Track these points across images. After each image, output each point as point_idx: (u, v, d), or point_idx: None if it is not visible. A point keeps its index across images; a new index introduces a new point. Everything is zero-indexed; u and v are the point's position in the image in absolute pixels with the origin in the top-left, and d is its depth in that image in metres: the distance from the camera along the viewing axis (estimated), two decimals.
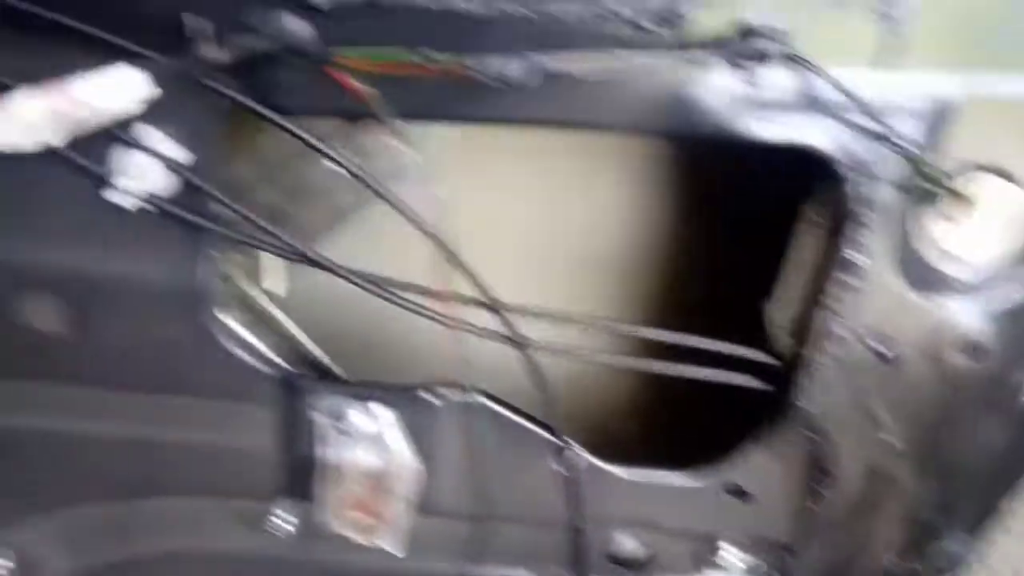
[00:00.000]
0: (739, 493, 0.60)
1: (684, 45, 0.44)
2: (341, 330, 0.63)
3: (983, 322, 0.52)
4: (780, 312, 0.56)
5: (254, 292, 0.57)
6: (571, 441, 0.58)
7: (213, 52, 0.42)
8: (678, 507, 0.61)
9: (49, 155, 0.45)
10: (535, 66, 0.40)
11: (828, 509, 0.58)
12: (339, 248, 0.54)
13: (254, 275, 0.57)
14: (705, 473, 0.60)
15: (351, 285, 0.54)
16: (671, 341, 0.57)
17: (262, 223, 0.49)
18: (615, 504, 0.60)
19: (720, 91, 0.46)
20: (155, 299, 0.52)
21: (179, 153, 0.48)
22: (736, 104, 0.46)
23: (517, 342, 0.54)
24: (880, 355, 0.53)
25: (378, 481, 0.55)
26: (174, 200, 0.49)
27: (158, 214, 0.49)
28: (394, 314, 0.63)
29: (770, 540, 0.62)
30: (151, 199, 0.48)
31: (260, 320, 0.58)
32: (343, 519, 0.57)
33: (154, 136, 0.47)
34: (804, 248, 0.55)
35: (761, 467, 0.58)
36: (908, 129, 0.47)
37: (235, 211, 0.49)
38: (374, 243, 0.59)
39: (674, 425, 0.67)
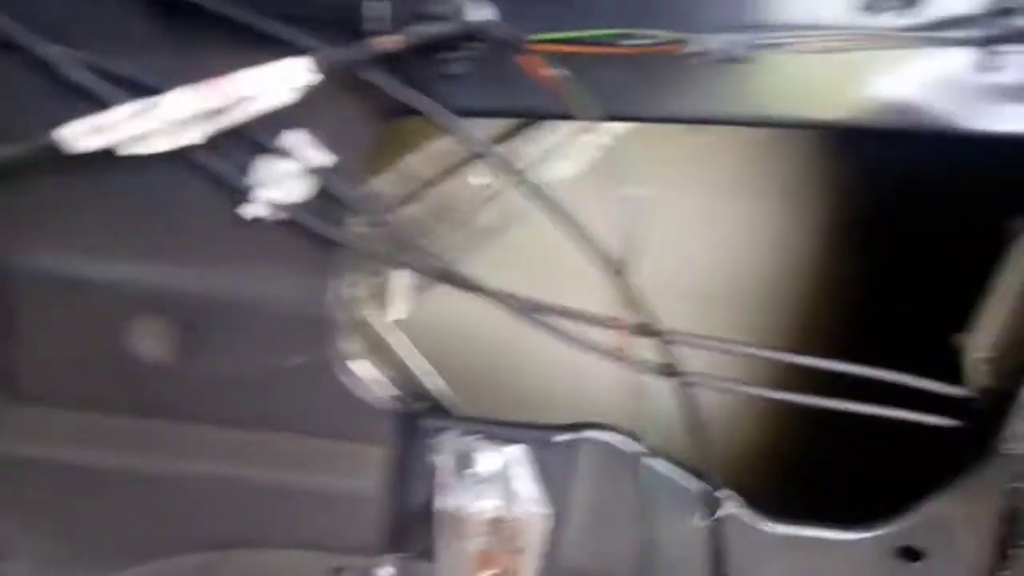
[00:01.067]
0: (913, 555, 0.52)
1: (926, 26, 0.36)
2: (463, 364, 0.56)
3: None
4: (981, 342, 0.49)
5: (376, 319, 0.50)
6: (730, 493, 0.50)
7: (388, 40, 0.34)
8: (838, 570, 0.53)
9: (180, 161, 0.39)
10: (757, 42, 0.33)
11: None
12: (477, 270, 0.46)
13: (377, 300, 0.50)
14: (874, 530, 0.52)
15: (477, 315, 0.47)
16: (851, 373, 0.49)
17: (405, 238, 0.42)
18: (767, 565, 0.52)
19: (963, 78, 0.39)
20: (277, 324, 0.45)
21: (323, 158, 0.41)
22: (980, 93, 0.39)
23: (680, 375, 0.46)
24: None
25: (505, 533, 0.47)
26: (311, 211, 0.42)
27: (292, 228, 0.42)
28: (527, 347, 0.57)
29: None
30: (287, 210, 0.42)
31: (379, 350, 0.51)
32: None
33: (298, 140, 0.40)
34: (1016, 268, 0.47)
35: (945, 524, 0.51)
36: None
37: (378, 225, 0.42)
38: (514, 266, 0.53)
39: (836, 476, 0.59)
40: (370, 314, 0.49)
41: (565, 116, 0.37)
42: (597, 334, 0.44)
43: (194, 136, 0.36)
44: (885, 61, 0.39)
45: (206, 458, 0.48)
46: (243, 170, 0.41)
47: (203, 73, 0.36)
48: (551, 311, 0.45)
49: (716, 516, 0.50)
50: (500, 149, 0.45)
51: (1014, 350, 0.47)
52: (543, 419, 0.49)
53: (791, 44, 0.35)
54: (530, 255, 0.54)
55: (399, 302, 0.49)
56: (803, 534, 0.52)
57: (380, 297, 0.49)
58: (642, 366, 0.44)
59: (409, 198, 0.47)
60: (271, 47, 0.37)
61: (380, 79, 0.37)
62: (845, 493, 0.56)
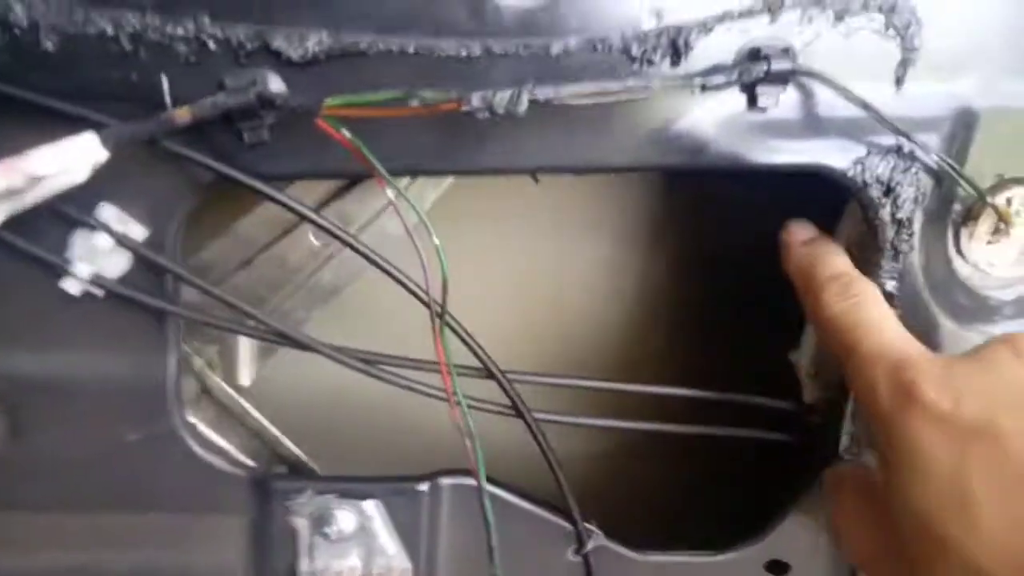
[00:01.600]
0: (780, 568, 0.54)
1: (690, 73, 0.40)
2: (314, 425, 0.56)
3: None
4: (806, 356, 0.52)
5: (222, 386, 0.50)
6: (592, 526, 0.51)
7: (178, 114, 0.36)
8: None
9: None
10: (529, 95, 0.36)
11: None
12: (315, 332, 0.47)
13: (223, 367, 0.51)
14: (741, 550, 0.53)
15: (323, 374, 0.48)
16: (691, 396, 0.51)
17: (238, 303, 0.43)
18: None
19: (727, 118, 0.42)
20: (112, 399, 0.45)
21: (140, 231, 0.42)
22: (745, 130, 0.42)
23: (523, 413, 0.48)
24: None
25: None
26: (136, 284, 0.42)
27: (118, 302, 0.42)
28: (375, 401, 0.57)
29: None
30: (109, 284, 0.42)
31: (227, 417, 0.51)
32: None
33: (111, 213, 0.41)
34: None
35: (804, 534, 0.52)
36: (933, 143, 0.43)
37: (207, 292, 0.42)
38: (351, 323, 0.54)
39: (695, 504, 0.61)
40: (216, 382, 0.50)
41: (365, 174, 0.39)
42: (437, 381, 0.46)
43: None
44: (665, 106, 0.41)
45: (55, 548, 0.46)
46: (60, 247, 0.41)
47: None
48: (387, 362, 0.46)
49: (586, 550, 0.51)
50: (328, 210, 0.47)
51: (830, 363, 0.50)
52: (405, 471, 0.50)
53: (566, 98, 0.38)
54: (368, 311, 0.56)
55: (244, 368, 0.50)
56: (673, 560, 0.53)
57: (225, 364, 0.50)
58: (481, 407, 0.46)
59: (244, 263, 0.48)
60: (67, 125, 0.37)
61: (183, 151, 0.38)
62: (711, 519, 0.58)
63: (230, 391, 0.50)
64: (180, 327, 0.45)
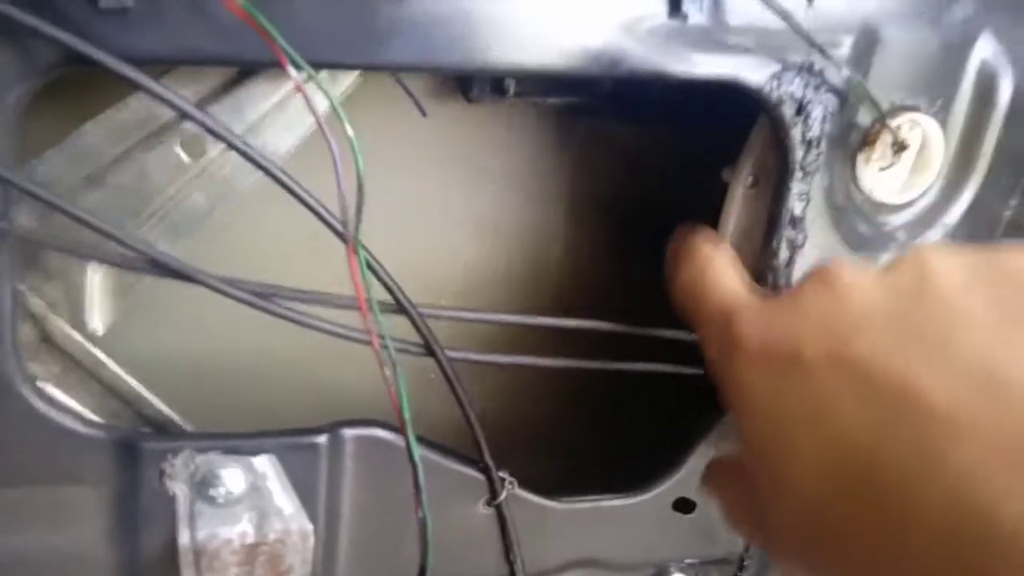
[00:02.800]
0: (687, 507, 0.54)
1: None
2: (178, 380, 0.48)
3: None
4: None
5: (68, 333, 0.42)
6: (504, 475, 0.48)
7: None
8: (626, 537, 0.53)
9: None
10: None
11: None
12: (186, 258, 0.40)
13: (68, 310, 0.42)
14: (650, 491, 0.52)
15: (188, 318, 0.40)
16: (603, 329, 0.49)
17: (96, 222, 0.35)
18: (557, 544, 0.51)
19: (646, 24, 0.41)
20: None
21: None
22: (664, 37, 0.41)
23: (435, 352, 0.43)
24: None
25: (265, 557, 0.41)
26: None
27: None
28: (250, 349, 0.51)
29: (723, 557, 0.56)
30: None
31: (75, 371, 0.43)
32: None
33: None
34: (732, 215, 0.50)
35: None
36: (843, 61, 0.44)
37: (54, 205, 0.34)
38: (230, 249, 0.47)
39: (605, 448, 0.59)
40: (60, 327, 0.41)
41: (264, 62, 0.33)
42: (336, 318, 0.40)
43: None
44: (586, 8, 0.39)
45: None
46: None
47: None
48: (288, 297, 0.40)
49: (498, 500, 0.48)
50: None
51: None
52: (293, 425, 0.44)
53: None
54: (238, 240, 0.49)
55: (97, 310, 0.42)
56: (585, 506, 0.51)
57: (71, 306, 0.41)
58: (395, 347, 0.41)
59: (90, 181, 0.39)
60: None
61: (16, 15, 0.30)
62: (617, 461, 0.56)
63: (79, 338, 0.41)
64: (16, 254, 0.36)
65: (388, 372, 0.37)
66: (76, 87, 0.38)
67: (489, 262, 0.60)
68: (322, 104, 0.36)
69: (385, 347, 0.38)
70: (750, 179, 0.50)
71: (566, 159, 0.59)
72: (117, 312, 0.43)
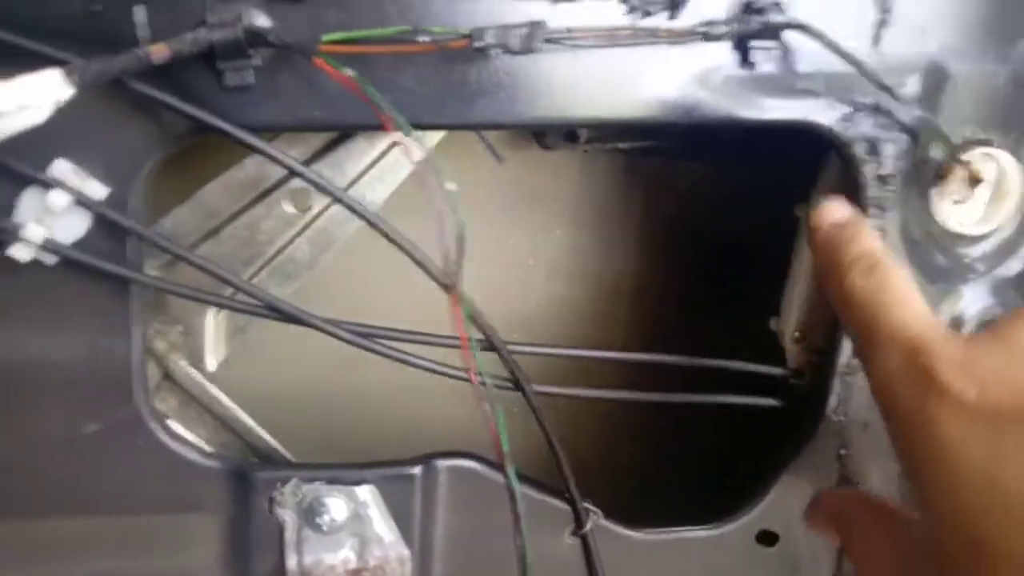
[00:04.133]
0: (770, 539, 0.54)
1: (694, 26, 0.40)
2: (284, 415, 0.52)
3: (994, 306, 0.51)
4: (793, 322, 0.52)
5: (187, 371, 0.46)
6: (590, 505, 0.49)
7: (155, 50, 0.33)
8: (708, 569, 0.53)
9: None
10: (539, 33, 0.35)
11: None
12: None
13: (187, 350, 0.46)
14: (733, 522, 0.53)
15: (295, 357, 0.44)
16: (679, 363, 0.50)
17: (218, 270, 0.39)
18: (639, 570, 0.52)
19: (717, 74, 0.43)
20: (69, 384, 0.40)
21: (100, 189, 0.38)
22: (734, 86, 0.43)
23: (523, 387, 0.46)
24: None
25: None
26: (94, 249, 0.38)
27: (77, 270, 0.38)
28: (353, 387, 0.54)
29: None
30: (64, 249, 0.38)
31: (193, 406, 0.47)
32: None
33: (67, 169, 0.37)
34: (806, 251, 0.51)
35: (793, 502, 0.52)
36: (912, 100, 0.45)
37: (179, 256, 0.39)
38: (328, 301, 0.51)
39: (683, 477, 0.60)
40: (181, 366, 0.45)
41: (361, 124, 0.37)
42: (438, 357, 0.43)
43: None
44: (658, 62, 0.41)
45: (4, 560, 0.41)
46: (6, 208, 0.36)
47: None
48: (390, 336, 0.43)
49: (584, 530, 0.49)
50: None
51: (817, 326, 0.51)
52: (391, 457, 0.47)
53: (571, 40, 0.37)
54: (343, 287, 0.52)
55: (212, 350, 0.46)
56: (669, 537, 0.52)
57: (190, 346, 0.45)
58: (491, 384, 0.43)
59: (210, 233, 0.44)
60: (23, 63, 0.33)
61: (154, 94, 0.35)
62: (703, 491, 0.57)
63: (197, 376, 0.45)
64: (144, 300, 0.41)
65: (487, 407, 0.39)
66: (199, 152, 0.42)
67: (558, 300, 0.61)
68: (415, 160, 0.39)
69: (483, 383, 0.40)
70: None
71: (635, 200, 0.61)
72: (230, 351, 0.47)
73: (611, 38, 0.37)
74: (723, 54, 0.42)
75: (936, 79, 0.46)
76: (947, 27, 0.45)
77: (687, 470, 0.60)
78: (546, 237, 0.60)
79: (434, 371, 0.42)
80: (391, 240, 0.40)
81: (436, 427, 0.53)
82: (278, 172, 0.44)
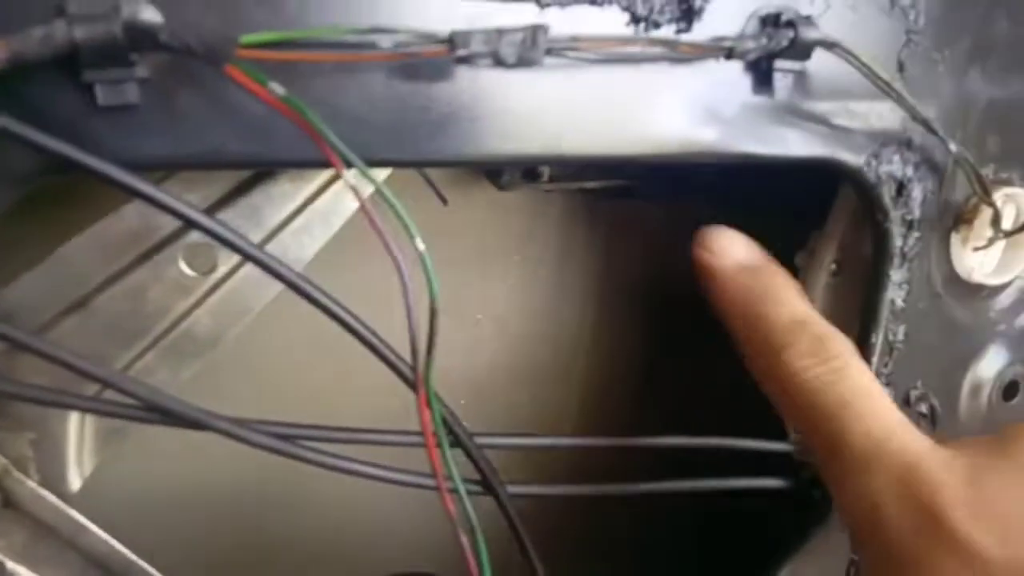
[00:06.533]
0: None
1: (709, 44, 0.32)
2: (192, 532, 0.40)
3: (1014, 363, 0.46)
4: None
5: (37, 494, 0.33)
6: None
7: None
8: None
9: None
10: (542, 40, 0.26)
11: None
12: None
13: (38, 466, 0.33)
14: None
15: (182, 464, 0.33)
16: (678, 445, 0.42)
17: (74, 359, 0.27)
18: None
19: (731, 101, 0.35)
20: None
21: None
22: (752, 115, 0.35)
23: (494, 489, 0.36)
24: (927, 415, 0.43)
25: None
26: None
27: None
28: (256, 496, 0.43)
29: None
30: None
31: (43, 539, 0.34)
32: None
33: None
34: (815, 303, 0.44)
35: None
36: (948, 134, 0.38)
37: (29, 348, 0.27)
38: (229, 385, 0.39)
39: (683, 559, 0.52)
40: (30, 489, 0.33)
41: (299, 162, 0.27)
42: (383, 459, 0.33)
43: None
44: (666, 86, 0.33)
45: None
46: None
47: None
48: (322, 438, 0.32)
49: None
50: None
51: None
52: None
53: (573, 49, 0.28)
54: (260, 362, 0.41)
55: (76, 462, 0.33)
56: None
57: (44, 461, 0.33)
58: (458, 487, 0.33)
59: (76, 304, 0.32)
60: None
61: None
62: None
63: (52, 499, 0.33)
64: None
65: (465, 539, 0.29)
66: (60, 197, 0.30)
67: (508, 360, 0.53)
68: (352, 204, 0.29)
69: (455, 491, 0.30)
70: (833, 266, 0.44)
71: (594, 245, 0.53)
72: (102, 462, 0.35)
73: (623, 50, 0.28)
74: (737, 77, 0.35)
75: (961, 112, 0.40)
76: (979, 56, 0.39)
77: (688, 553, 0.52)
78: (495, 288, 0.51)
79: (394, 482, 0.32)
80: (322, 307, 0.29)
81: (391, 536, 0.43)
82: (171, 223, 0.32)
